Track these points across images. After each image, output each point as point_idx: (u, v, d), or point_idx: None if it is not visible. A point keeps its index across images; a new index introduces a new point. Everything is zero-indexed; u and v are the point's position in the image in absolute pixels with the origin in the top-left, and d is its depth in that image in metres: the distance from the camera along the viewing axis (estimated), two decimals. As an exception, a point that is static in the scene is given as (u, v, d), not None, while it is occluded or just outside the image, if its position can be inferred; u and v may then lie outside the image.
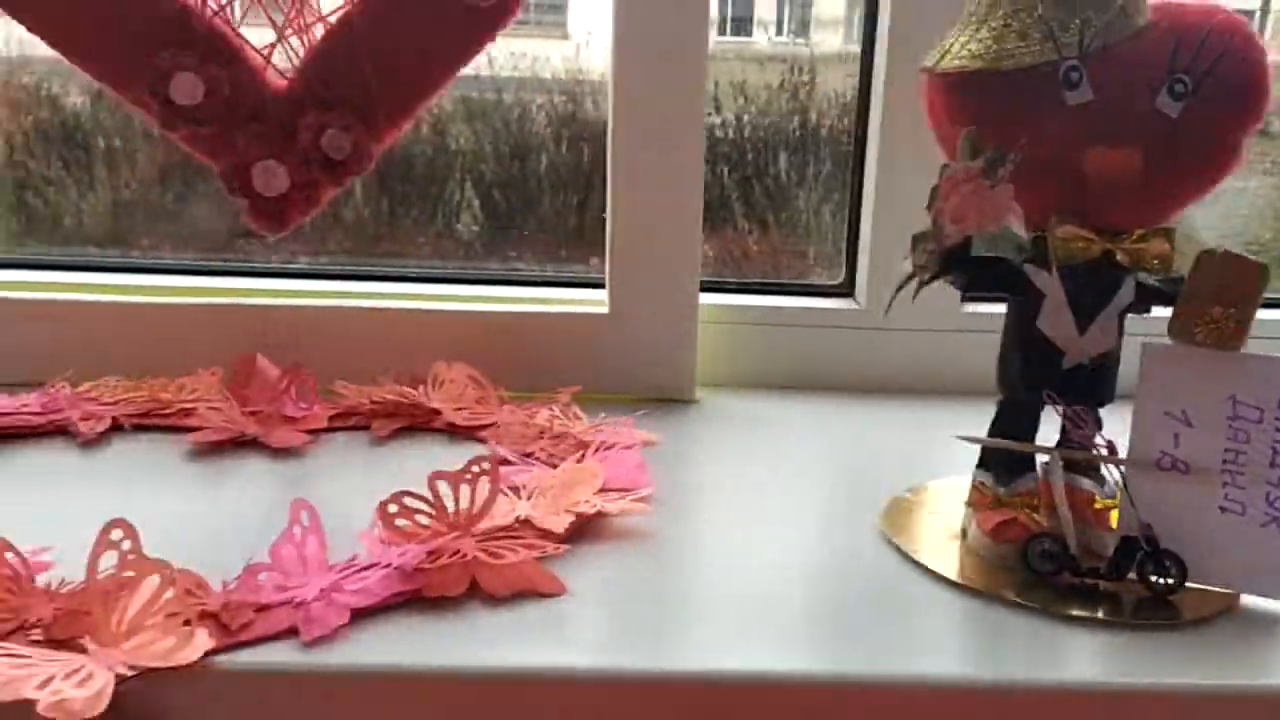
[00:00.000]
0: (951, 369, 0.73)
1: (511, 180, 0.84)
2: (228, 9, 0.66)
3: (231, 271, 0.75)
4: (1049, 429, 0.51)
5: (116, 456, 0.59)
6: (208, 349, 0.68)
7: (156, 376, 0.66)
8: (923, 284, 0.49)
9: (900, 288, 0.49)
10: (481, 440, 0.63)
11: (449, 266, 0.80)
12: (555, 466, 0.57)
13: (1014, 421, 0.51)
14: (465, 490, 0.49)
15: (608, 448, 0.59)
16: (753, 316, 0.74)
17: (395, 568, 0.44)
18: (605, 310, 0.71)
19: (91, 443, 0.60)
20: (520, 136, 0.83)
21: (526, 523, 0.50)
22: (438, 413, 0.64)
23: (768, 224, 0.84)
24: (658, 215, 0.69)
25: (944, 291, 0.50)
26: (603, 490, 0.54)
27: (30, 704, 0.36)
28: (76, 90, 0.82)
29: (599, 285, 0.73)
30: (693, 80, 0.67)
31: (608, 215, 0.70)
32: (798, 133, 0.84)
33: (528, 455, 0.60)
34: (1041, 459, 0.51)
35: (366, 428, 0.64)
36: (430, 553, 0.45)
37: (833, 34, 0.85)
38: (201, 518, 0.53)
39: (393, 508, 0.48)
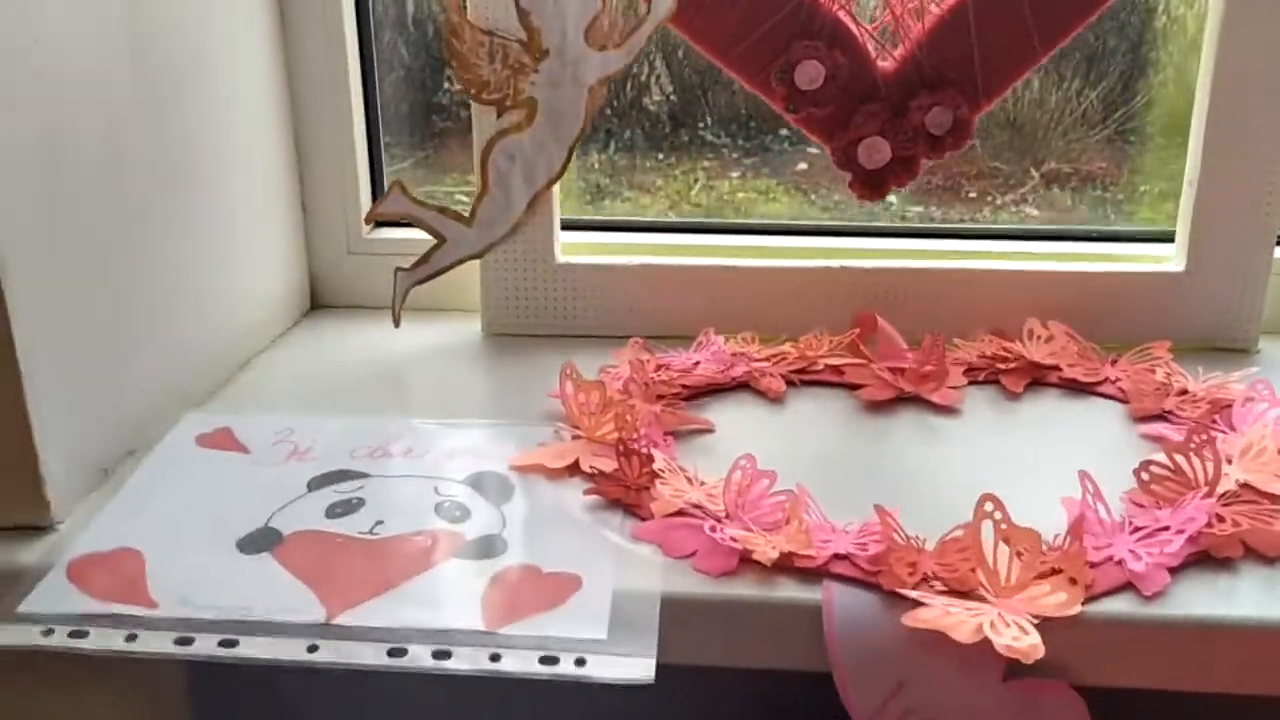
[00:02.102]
0: None
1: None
2: (850, 3, 0.73)
3: (829, 231, 0.83)
4: None
5: (800, 411, 0.69)
6: (814, 308, 0.77)
7: (776, 333, 0.76)
8: None
9: None
10: (1103, 395, 0.70)
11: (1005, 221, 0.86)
12: (1206, 425, 0.64)
13: None
14: (1192, 458, 0.56)
15: (1243, 404, 0.65)
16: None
17: (1188, 535, 0.52)
18: (1180, 269, 0.76)
19: (777, 399, 0.70)
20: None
21: (1248, 486, 0.56)
22: (1056, 368, 0.71)
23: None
24: (1242, 171, 0.73)
25: None
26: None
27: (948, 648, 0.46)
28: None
29: (1160, 239, 0.79)
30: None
31: (1189, 171, 0.75)
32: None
33: (1167, 414, 0.66)
34: None
35: (991, 382, 0.72)
36: (1208, 520, 0.53)
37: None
38: (904, 470, 0.62)
39: (1145, 475, 0.56)
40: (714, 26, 0.73)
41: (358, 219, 0.83)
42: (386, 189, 0.76)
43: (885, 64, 0.74)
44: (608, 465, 0.58)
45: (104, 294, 0.59)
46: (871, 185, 0.76)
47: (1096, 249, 0.80)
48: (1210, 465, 0.56)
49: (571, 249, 0.79)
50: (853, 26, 0.73)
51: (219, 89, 0.71)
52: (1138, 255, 0.79)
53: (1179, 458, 0.56)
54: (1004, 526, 0.50)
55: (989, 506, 0.50)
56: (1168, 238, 0.78)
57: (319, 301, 0.85)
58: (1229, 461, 0.59)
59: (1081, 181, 0.85)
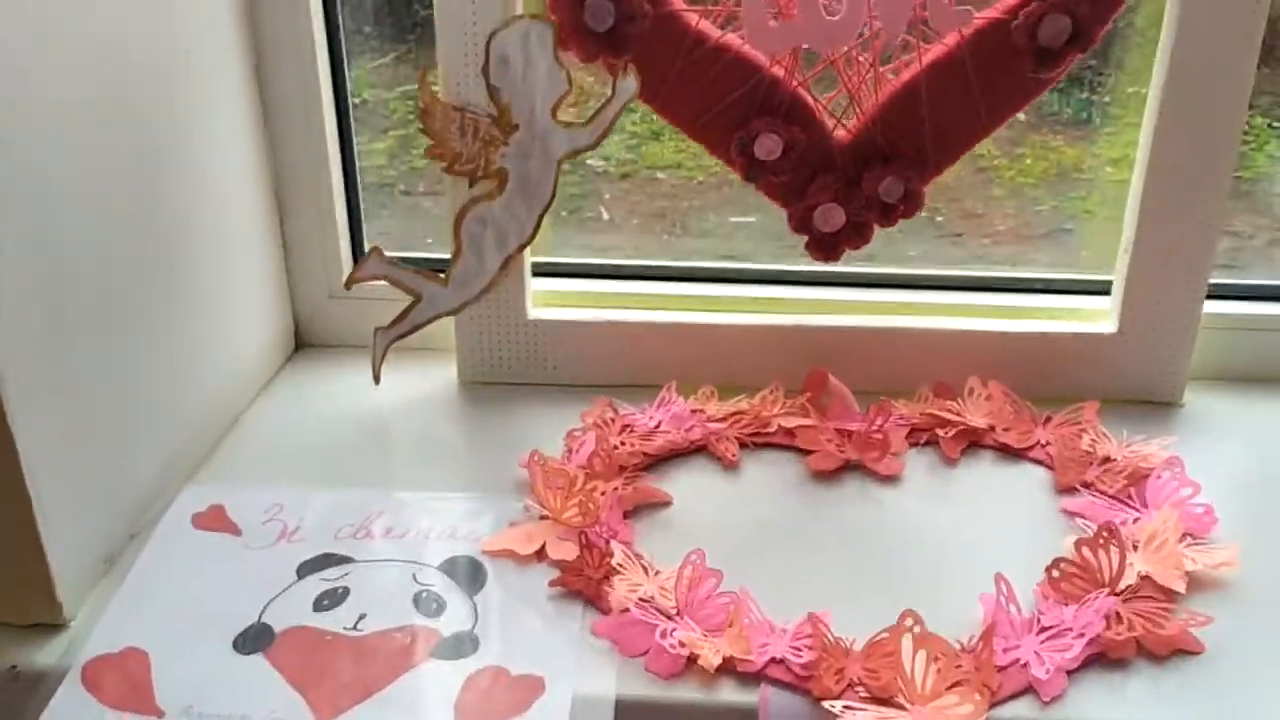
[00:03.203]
0: None
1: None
2: (808, 80, 0.76)
3: (789, 279, 0.88)
4: None
5: (752, 480, 0.74)
6: (770, 361, 0.82)
7: (736, 383, 0.81)
8: None
9: None
10: (1033, 461, 0.76)
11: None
12: (1121, 500, 0.70)
13: None
14: (1101, 553, 0.62)
15: (1158, 476, 0.71)
16: (1236, 322, 0.84)
17: (1088, 639, 0.58)
18: (1113, 329, 0.81)
19: (731, 466, 0.75)
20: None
21: (1148, 579, 0.63)
22: (991, 429, 0.77)
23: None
24: (1181, 231, 0.77)
25: None
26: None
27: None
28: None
29: (1093, 291, 0.84)
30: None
31: (1124, 238, 0.79)
32: None
33: (1088, 486, 0.72)
34: None
35: (931, 443, 0.77)
36: (1106, 623, 0.59)
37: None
38: (846, 546, 0.68)
39: (1055, 573, 0.62)
40: (679, 102, 0.76)
41: (338, 268, 0.86)
42: (366, 253, 0.79)
43: (841, 134, 0.77)
44: (571, 552, 0.64)
45: (97, 376, 0.63)
46: (825, 248, 0.80)
47: (1037, 302, 0.85)
48: (1116, 559, 0.62)
49: (543, 298, 0.84)
50: (810, 102, 0.76)
51: (198, 149, 0.74)
52: (1075, 311, 0.84)
53: (1087, 551, 0.62)
54: (920, 636, 0.56)
55: (909, 622, 0.56)
56: (1104, 289, 0.83)
57: (303, 341, 0.89)
58: (1135, 548, 0.65)
59: (1068, 81, 0.87)
